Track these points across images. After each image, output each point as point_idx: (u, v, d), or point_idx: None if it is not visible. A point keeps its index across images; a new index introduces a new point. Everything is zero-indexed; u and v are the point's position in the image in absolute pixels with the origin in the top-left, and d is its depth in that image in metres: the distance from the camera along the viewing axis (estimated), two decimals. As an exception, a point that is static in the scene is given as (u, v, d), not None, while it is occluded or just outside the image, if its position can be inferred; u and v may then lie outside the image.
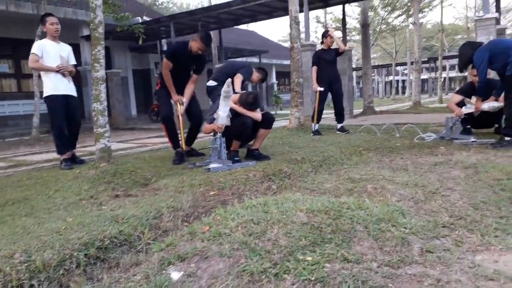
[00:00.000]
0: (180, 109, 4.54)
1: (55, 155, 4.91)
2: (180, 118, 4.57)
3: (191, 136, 4.93)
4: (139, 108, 16.78)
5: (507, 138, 4.34)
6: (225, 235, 1.86)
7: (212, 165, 3.82)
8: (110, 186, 3.36)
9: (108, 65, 12.76)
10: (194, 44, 4.33)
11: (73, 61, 4.78)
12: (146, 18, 14.03)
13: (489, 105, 4.87)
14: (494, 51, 4.48)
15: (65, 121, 4.68)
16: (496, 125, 5.36)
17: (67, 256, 1.86)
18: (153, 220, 2.38)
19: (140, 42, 10.07)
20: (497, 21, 7.43)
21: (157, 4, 43.57)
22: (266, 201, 2.35)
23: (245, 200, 2.59)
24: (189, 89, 4.62)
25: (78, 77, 5.69)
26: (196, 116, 4.79)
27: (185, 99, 4.54)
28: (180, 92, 4.56)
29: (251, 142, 4.51)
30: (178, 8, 47.19)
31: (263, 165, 3.83)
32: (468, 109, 5.08)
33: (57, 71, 4.51)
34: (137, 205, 2.68)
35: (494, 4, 9.10)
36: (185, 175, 3.63)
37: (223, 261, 1.65)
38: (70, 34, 11.54)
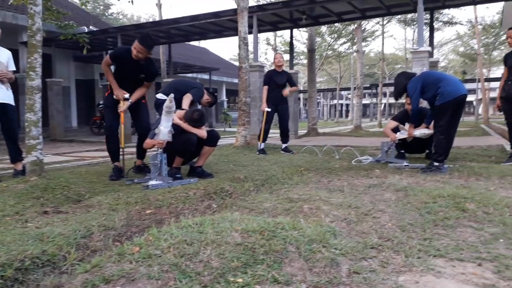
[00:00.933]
0: (123, 106, 4.35)
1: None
2: (121, 115, 4.39)
3: (140, 148, 4.66)
4: (80, 120, 16.05)
5: (435, 163, 4.64)
6: (156, 256, 1.80)
7: (151, 182, 3.72)
8: (39, 202, 3.16)
9: (49, 73, 12.14)
10: (134, 48, 4.13)
11: (12, 67, 4.53)
12: (92, 28, 13.61)
13: (421, 132, 5.20)
14: (426, 82, 4.81)
15: (2, 131, 4.45)
16: (427, 151, 5.73)
17: (-21, 279, 1.71)
18: (81, 239, 2.26)
19: (85, 51, 9.68)
20: (430, 54, 8.03)
21: (106, 14, 42.53)
22: (203, 221, 2.31)
23: (182, 219, 2.54)
24: (139, 91, 4.46)
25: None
26: (144, 126, 4.55)
27: (130, 97, 4.36)
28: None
29: (195, 159, 4.47)
30: (128, 20, 46.37)
31: (205, 183, 3.80)
32: (402, 134, 5.39)
33: None
34: (66, 223, 2.54)
35: (429, 39, 9.86)
36: (122, 192, 3.50)
37: (150, 284, 1.59)
38: (9, 39, 10.90)
